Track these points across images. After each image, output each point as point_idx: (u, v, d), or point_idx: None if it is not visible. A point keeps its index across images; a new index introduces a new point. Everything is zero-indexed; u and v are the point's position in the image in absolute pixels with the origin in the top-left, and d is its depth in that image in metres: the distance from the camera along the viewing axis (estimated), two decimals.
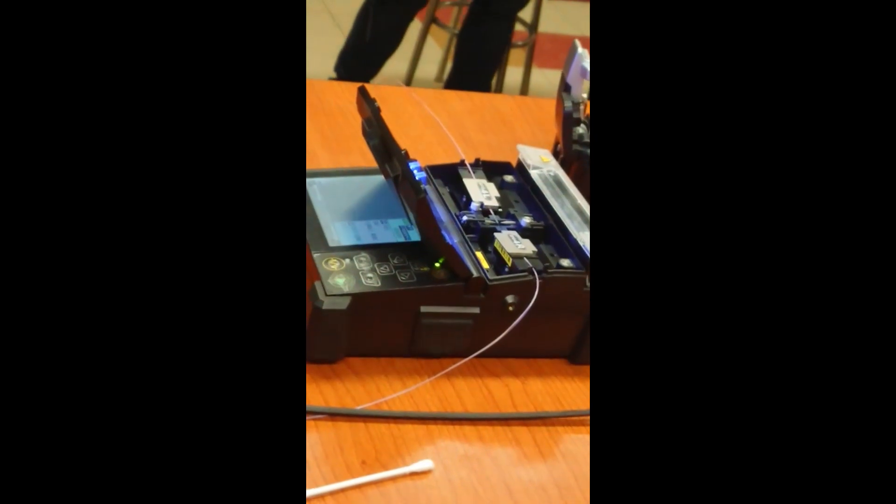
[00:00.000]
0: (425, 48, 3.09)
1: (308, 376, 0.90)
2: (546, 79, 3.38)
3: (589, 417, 0.92)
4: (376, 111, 0.96)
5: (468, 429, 0.89)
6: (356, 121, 1.03)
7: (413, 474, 0.84)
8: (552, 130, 1.28)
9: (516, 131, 1.33)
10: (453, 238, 0.93)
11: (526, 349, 0.96)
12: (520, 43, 3.06)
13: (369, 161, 1.00)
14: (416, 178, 0.92)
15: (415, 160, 0.97)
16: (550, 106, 1.32)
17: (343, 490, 0.81)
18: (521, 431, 0.90)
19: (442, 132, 1.25)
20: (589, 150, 1.15)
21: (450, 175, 1.04)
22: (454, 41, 3.08)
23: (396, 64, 2.98)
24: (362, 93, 0.99)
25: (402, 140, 0.94)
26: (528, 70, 3.16)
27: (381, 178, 1.03)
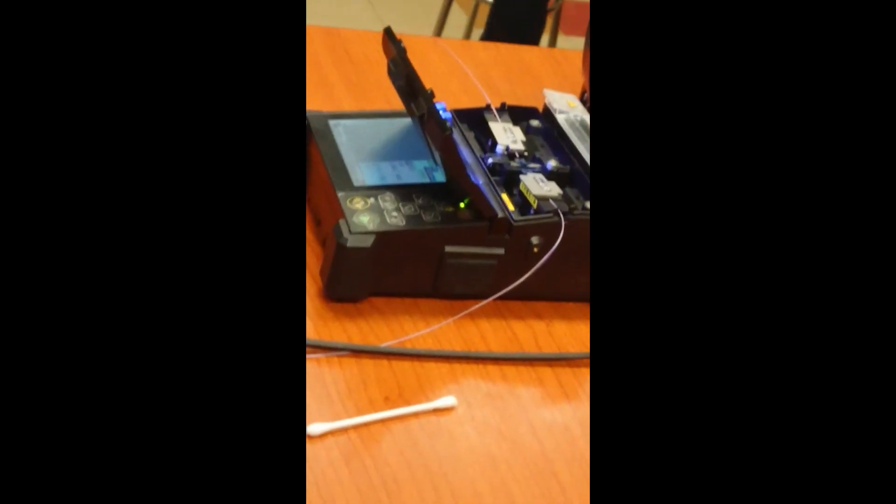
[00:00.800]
0: (450, 15, 3.07)
1: (332, 314, 0.90)
2: (572, 46, 3.36)
3: None
4: (402, 51, 0.96)
5: (492, 368, 0.89)
6: (382, 69, 1.02)
7: (436, 410, 0.84)
8: (578, 81, 1.27)
9: (542, 82, 1.32)
10: (478, 178, 0.93)
11: (550, 292, 0.95)
12: (547, 8, 3.03)
13: (395, 108, 0.99)
14: (442, 116, 0.91)
15: (441, 102, 0.96)
16: (577, 57, 1.31)
17: (367, 424, 0.81)
18: (545, 371, 0.90)
19: (468, 83, 1.24)
20: None
21: (475, 119, 1.04)
22: (479, 7, 3.05)
23: (420, 30, 2.97)
24: (388, 33, 0.98)
25: None
26: (554, 36, 3.14)
27: (406, 120, 1.02)
